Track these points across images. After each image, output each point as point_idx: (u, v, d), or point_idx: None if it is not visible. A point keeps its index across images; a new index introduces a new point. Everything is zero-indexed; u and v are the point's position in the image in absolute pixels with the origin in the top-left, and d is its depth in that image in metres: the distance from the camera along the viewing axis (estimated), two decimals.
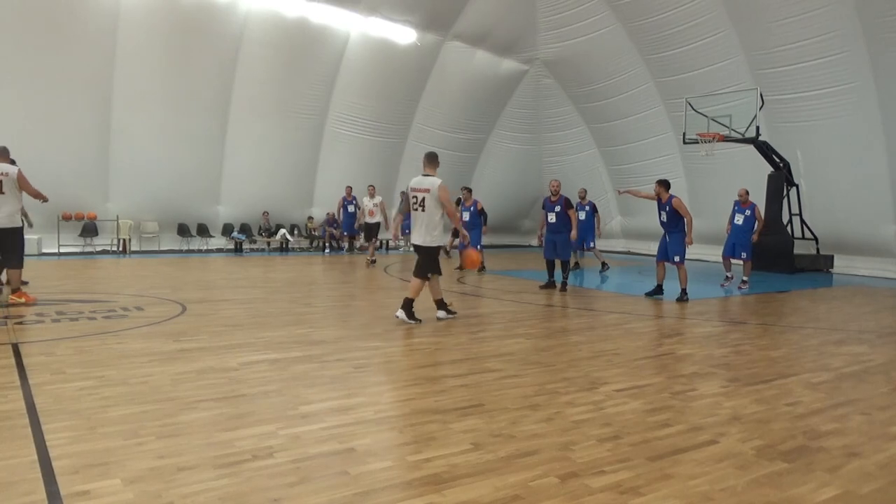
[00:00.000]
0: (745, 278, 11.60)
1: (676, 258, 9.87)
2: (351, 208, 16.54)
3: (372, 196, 14.93)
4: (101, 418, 3.72)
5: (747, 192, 11.80)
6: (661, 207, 10.00)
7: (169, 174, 16.08)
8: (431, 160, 7.51)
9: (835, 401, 4.55)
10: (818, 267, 15.24)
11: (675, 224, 9.91)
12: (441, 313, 7.62)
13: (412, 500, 2.78)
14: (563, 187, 10.99)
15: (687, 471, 3.19)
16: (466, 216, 13.32)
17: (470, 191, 14.07)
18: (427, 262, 7.42)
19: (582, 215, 13.09)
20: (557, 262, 10.88)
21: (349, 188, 16.74)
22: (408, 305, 7.27)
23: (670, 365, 5.61)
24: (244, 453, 3.24)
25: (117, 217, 15.88)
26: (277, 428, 3.64)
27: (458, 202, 13.64)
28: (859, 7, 12.84)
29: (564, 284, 10.64)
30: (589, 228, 13.63)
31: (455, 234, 16.83)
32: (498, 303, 9.12)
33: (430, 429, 3.71)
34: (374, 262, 14.66)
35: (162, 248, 16.99)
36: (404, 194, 7.59)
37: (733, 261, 11.87)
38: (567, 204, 10.55)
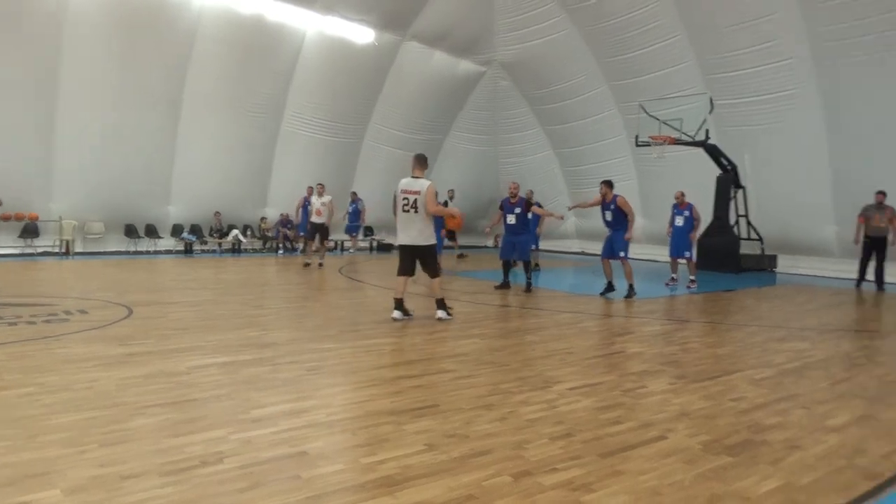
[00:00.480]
0: (692, 277, 11.92)
1: (622, 253, 10.12)
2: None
3: (320, 195, 14.14)
4: (42, 426, 3.59)
5: (683, 194, 12.15)
6: (605, 207, 10.24)
7: (116, 173, 15.59)
8: (421, 162, 7.71)
9: (777, 396, 4.71)
10: (763, 266, 15.75)
11: (619, 222, 10.17)
12: (397, 314, 7.60)
13: (365, 503, 2.76)
14: (518, 188, 11.11)
15: (636, 466, 3.25)
16: None
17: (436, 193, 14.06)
18: (431, 260, 7.69)
19: (529, 215, 13.25)
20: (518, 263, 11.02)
21: (310, 188, 16.34)
22: (441, 304, 7.70)
23: (621, 363, 5.71)
24: (193, 459, 3.17)
25: (60, 218, 15.34)
26: (228, 433, 3.56)
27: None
28: (806, 16, 13.30)
29: (529, 285, 10.75)
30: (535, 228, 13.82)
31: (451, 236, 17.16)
32: (453, 303, 9.13)
33: (383, 430, 3.69)
34: (320, 264, 13.91)
35: (108, 250, 16.47)
36: (394, 196, 7.76)
37: (680, 261, 12.21)
38: (527, 205, 10.74)
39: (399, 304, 7.64)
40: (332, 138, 18.96)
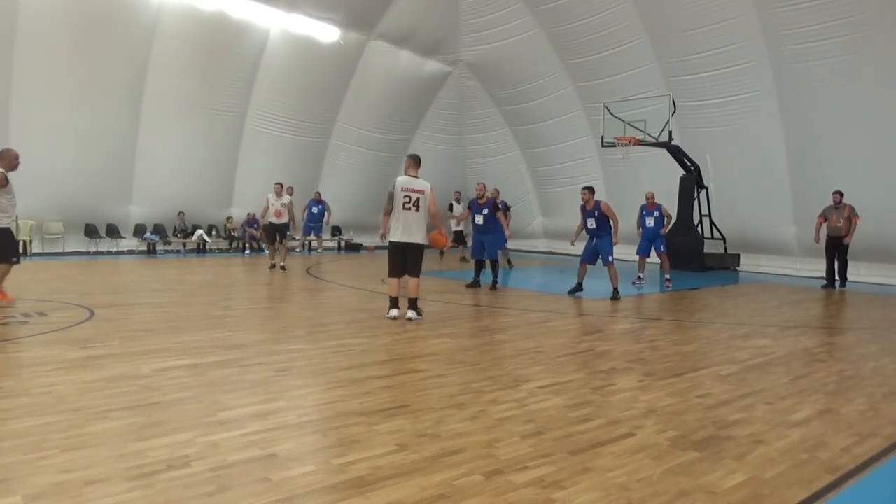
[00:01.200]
0: (667, 276, 12.04)
1: (610, 258, 10.06)
2: None
3: (279, 195, 13.56)
4: None
5: (654, 196, 12.29)
6: (588, 214, 10.11)
7: (75, 172, 15.19)
8: (418, 162, 7.93)
9: (741, 392, 4.81)
10: (726, 265, 16.08)
11: (603, 227, 10.06)
12: (395, 312, 7.67)
13: None
14: (485, 188, 11.19)
15: (606, 463, 3.28)
16: None
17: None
18: (419, 258, 7.83)
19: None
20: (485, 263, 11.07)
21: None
22: (413, 304, 7.71)
23: (590, 361, 5.77)
24: (158, 463, 3.10)
25: (16, 217, 14.87)
26: (194, 436, 3.50)
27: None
28: (763, 20, 13.62)
29: (495, 283, 10.80)
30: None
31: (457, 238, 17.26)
32: (423, 303, 9.10)
33: (354, 431, 3.66)
34: (282, 267, 13.42)
35: (67, 250, 16.05)
36: (390, 194, 7.69)
37: (648, 260, 12.37)
38: (495, 206, 10.83)
39: (395, 303, 7.71)
40: (298, 137, 18.79)
